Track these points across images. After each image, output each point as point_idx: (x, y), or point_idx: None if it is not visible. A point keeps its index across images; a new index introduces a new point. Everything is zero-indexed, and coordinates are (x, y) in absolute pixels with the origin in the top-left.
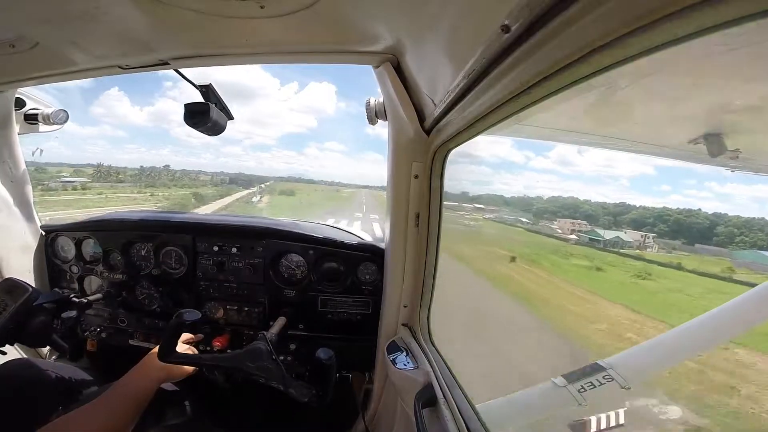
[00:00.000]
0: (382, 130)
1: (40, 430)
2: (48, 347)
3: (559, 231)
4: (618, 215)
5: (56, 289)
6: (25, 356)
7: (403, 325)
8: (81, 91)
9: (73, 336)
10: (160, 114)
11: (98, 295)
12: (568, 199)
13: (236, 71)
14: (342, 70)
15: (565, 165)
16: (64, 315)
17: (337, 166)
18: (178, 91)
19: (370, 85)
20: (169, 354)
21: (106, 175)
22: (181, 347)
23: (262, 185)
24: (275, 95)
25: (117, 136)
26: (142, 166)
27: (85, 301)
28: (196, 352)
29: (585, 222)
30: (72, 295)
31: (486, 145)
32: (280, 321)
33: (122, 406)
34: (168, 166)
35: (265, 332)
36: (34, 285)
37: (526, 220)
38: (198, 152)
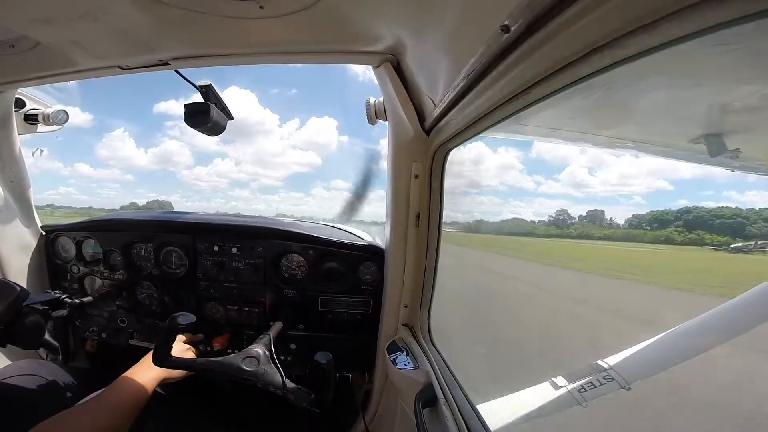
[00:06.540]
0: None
1: (33, 428)
2: (41, 349)
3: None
4: None
5: (48, 290)
6: (23, 358)
7: (403, 325)
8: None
9: (65, 336)
10: (164, 156)
11: (91, 297)
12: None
13: (233, 107)
14: (342, 102)
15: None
16: (54, 314)
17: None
18: (179, 131)
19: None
20: (164, 358)
21: None
22: (181, 347)
23: None
24: (276, 132)
25: (126, 180)
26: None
27: (78, 302)
28: (196, 352)
29: None
30: (63, 296)
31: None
32: (278, 325)
33: (119, 405)
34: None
35: (264, 335)
36: (33, 285)
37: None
38: (208, 196)
